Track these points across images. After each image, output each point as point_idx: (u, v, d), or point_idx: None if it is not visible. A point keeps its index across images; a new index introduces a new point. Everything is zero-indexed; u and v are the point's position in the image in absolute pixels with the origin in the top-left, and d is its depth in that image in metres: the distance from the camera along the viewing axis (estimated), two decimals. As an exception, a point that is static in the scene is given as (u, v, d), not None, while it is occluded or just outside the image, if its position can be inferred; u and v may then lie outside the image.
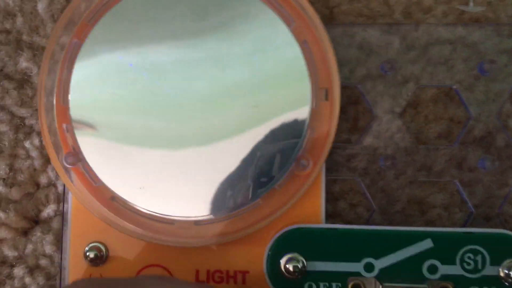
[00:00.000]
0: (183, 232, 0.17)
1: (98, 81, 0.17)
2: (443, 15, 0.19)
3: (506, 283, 0.17)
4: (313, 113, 0.16)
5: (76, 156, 0.17)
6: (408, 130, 0.19)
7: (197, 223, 0.17)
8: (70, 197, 0.18)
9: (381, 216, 0.19)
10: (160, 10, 0.17)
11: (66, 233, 0.18)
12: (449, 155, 0.18)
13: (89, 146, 0.17)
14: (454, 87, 0.18)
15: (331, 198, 0.18)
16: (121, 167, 0.17)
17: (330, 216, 0.19)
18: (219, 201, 0.17)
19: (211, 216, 0.17)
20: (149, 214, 0.17)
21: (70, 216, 0.18)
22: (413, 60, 0.18)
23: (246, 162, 0.16)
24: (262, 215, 0.17)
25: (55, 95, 0.17)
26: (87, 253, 0.18)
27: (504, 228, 0.18)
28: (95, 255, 0.18)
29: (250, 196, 0.16)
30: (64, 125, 0.17)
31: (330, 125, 0.16)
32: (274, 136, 0.16)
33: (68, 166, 0.17)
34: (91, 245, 0.18)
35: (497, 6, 0.18)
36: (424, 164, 0.18)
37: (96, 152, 0.17)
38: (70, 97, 0.17)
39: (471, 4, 0.18)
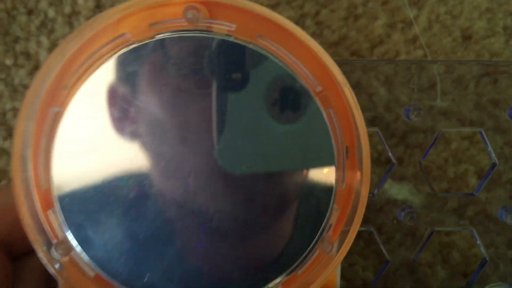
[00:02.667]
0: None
1: (81, 155, 0.15)
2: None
3: None
4: (338, 193, 0.15)
5: (67, 244, 0.15)
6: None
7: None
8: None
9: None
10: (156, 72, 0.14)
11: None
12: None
13: (79, 233, 0.15)
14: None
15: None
16: (119, 254, 0.15)
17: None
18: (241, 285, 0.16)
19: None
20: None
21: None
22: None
23: (265, 244, 0.15)
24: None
25: (32, 177, 0.15)
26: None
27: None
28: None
29: (270, 281, 0.16)
30: (49, 211, 0.15)
31: (357, 203, 0.15)
32: (298, 218, 0.15)
33: (58, 258, 0.15)
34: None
35: (460, 101, 0.23)
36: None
37: (89, 239, 0.15)
38: (52, 177, 0.15)
39: (438, 100, 0.23)
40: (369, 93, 0.24)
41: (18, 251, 0.18)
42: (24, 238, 0.17)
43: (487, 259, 0.23)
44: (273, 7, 0.28)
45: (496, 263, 0.24)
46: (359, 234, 0.24)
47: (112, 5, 0.26)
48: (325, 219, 0.16)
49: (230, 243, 0.15)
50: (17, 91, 0.27)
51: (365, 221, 0.23)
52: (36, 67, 0.27)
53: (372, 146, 0.26)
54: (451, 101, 0.24)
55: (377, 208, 0.23)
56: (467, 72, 0.24)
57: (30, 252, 0.18)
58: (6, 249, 0.17)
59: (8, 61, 0.26)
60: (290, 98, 0.15)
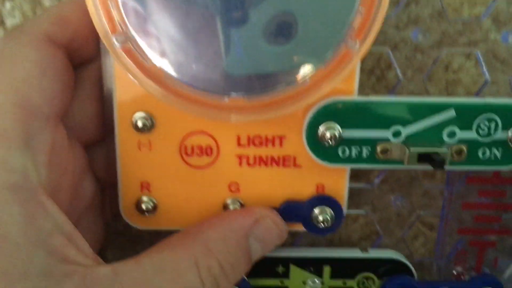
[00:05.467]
0: (234, 108, 0.20)
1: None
2: None
3: (511, 144, 0.21)
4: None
5: (126, 35, 0.19)
6: None
7: (248, 98, 0.19)
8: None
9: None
10: None
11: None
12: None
13: (137, 24, 0.18)
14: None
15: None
16: (170, 46, 0.19)
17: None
18: (270, 78, 0.19)
19: (261, 92, 0.19)
20: (203, 92, 0.19)
21: (115, 87, 0.21)
22: None
23: (296, 41, 0.19)
24: (309, 91, 0.20)
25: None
26: (135, 121, 0.21)
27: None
28: (143, 123, 0.21)
29: (299, 74, 0.19)
30: (109, 3, 0.18)
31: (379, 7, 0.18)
32: (324, 15, 0.18)
33: (119, 45, 0.19)
34: (138, 114, 0.21)
35: None
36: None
37: (145, 30, 0.18)
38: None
39: None
40: None
41: (78, 60, 0.21)
42: (83, 46, 0.21)
43: (488, 79, 0.25)
44: None
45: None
46: (372, 71, 0.27)
47: None
48: (350, 19, 0.19)
49: (267, 36, 0.18)
50: None
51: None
52: None
53: None
54: None
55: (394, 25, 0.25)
56: None
57: (87, 63, 0.22)
58: (68, 56, 0.20)
59: None
60: None
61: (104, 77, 0.21)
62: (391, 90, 0.23)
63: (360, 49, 0.19)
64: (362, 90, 0.25)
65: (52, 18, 0.20)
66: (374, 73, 0.24)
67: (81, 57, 0.21)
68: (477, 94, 0.24)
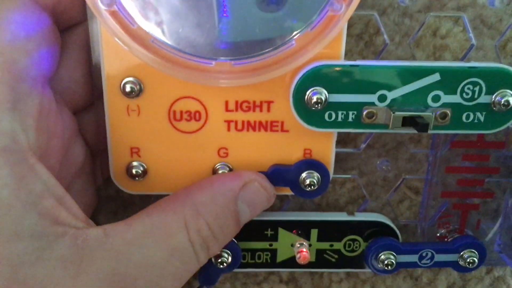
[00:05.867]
0: (221, 72, 0.20)
1: None
2: None
3: (494, 108, 0.22)
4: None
5: (112, -2, 0.19)
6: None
7: (234, 63, 0.20)
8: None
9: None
10: None
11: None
12: None
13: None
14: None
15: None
16: (156, 9, 0.19)
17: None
18: (256, 42, 0.19)
19: (248, 56, 0.20)
20: (189, 56, 0.19)
21: (102, 52, 0.21)
22: None
23: (287, 7, 0.19)
24: (295, 55, 0.20)
25: None
26: (124, 86, 0.21)
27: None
28: (131, 88, 0.21)
29: (285, 37, 0.19)
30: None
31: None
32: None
33: (105, 8, 0.19)
34: (126, 79, 0.21)
35: None
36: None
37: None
38: None
39: None
40: None
41: (64, 23, 0.21)
42: (69, 9, 0.20)
43: (474, 44, 0.25)
44: None
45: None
46: (361, 36, 0.27)
47: None
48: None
49: (259, 3, 0.19)
50: None
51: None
52: None
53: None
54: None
55: None
56: None
57: (73, 26, 0.22)
58: (54, 18, 0.20)
59: None
60: None
61: (92, 41, 0.21)
62: (378, 56, 0.24)
63: (345, 12, 0.19)
64: (350, 56, 0.25)
65: None
66: (362, 38, 0.25)
67: (68, 20, 0.21)
68: (463, 59, 0.24)
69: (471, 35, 0.24)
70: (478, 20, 0.24)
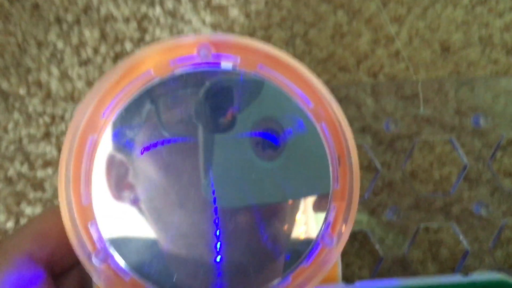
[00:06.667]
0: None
1: (117, 174, 0.19)
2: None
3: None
4: (334, 194, 0.19)
5: (105, 253, 0.19)
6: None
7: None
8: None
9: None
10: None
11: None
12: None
13: (116, 241, 0.19)
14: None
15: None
16: (150, 258, 0.19)
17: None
18: (251, 281, 0.19)
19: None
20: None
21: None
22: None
23: (275, 240, 0.19)
24: (292, 291, 0.20)
25: (72, 194, 0.19)
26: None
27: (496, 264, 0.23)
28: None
29: (280, 274, 0.19)
30: (89, 223, 0.19)
31: (350, 201, 0.19)
32: (300, 214, 0.19)
33: (98, 265, 0.19)
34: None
35: (441, 109, 0.28)
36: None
37: (124, 246, 0.19)
38: (92, 194, 0.19)
39: (421, 108, 0.28)
40: (357, 104, 0.28)
41: (59, 270, 0.22)
42: (64, 257, 0.21)
43: (469, 250, 0.27)
44: (266, 29, 0.32)
45: (481, 257, 0.28)
46: (354, 237, 0.28)
47: (115, 37, 0.30)
48: (325, 217, 0.19)
49: (245, 242, 0.19)
50: (31, 118, 0.30)
51: (360, 222, 0.27)
52: (48, 95, 0.30)
53: (363, 154, 0.30)
54: (433, 109, 0.28)
55: (369, 210, 0.27)
56: (447, 83, 0.29)
57: (68, 270, 0.22)
58: (49, 269, 0.21)
59: (22, 91, 0.30)
60: (286, 115, 0.19)
61: (85, 282, 0.21)
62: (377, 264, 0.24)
63: (337, 244, 0.19)
64: (347, 258, 0.25)
65: (32, 236, 0.20)
66: (356, 239, 0.25)
67: (63, 266, 0.21)
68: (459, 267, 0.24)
69: (463, 239, 0.24)
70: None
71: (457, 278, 0.22)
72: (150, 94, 0.19)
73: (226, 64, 0.19)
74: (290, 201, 0.20)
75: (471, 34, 0.33)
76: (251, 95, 0.19)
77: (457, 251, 0.30)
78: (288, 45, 0.32)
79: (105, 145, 0.19)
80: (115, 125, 0.19)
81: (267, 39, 0.32)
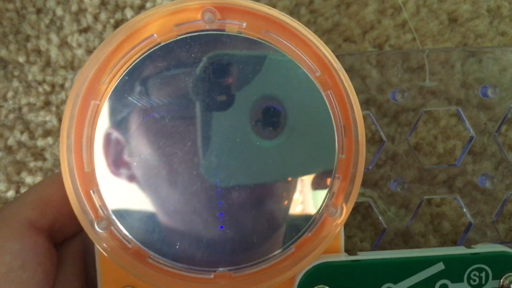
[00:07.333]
0: (220, 282, 0.20)
1: (120, 141, 0.18)
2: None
3: (504, 291, 0.21)
4: (339, 164, 0.19)
5: (108, 220, 0.19)
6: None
7: (234, 272, 0.20)
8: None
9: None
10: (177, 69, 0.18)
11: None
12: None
13: (119, 209, 0.19)
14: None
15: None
16: (153, 226, 0.19)
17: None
18: (254, 250, 0.19)
19: (247, 265, 0.19)
20: (188, 270, 0.19)
21: (99, 265, 0.21)
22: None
23: (279, 210, 0.19)
24: (295, 261, 0.20)
25: (74, 160, 0.18)
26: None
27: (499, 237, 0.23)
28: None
29: (283, 243, 0.19)
30: (91, 190, 0.19)
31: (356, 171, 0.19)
32: (304, 184, 0.19)
33: (101, 231, 0.19)
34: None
35: (447, 81, 0.27)
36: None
37: (126, 214, 0.19)
38: (95, 160, 0.18)
39: (427, 80, 0.27)
40: (362, 76, 0.28)
41: (61, 238, 0.21)
42: (66, 225, 0.21)
43: (472, 222, 0.27)
44: (270, -2, 0.31)
45: (483, 230, 0.28)
46: (357, 209, 0.28)
47: (116, 4, 0.29)
48: (329, 187, 0.19)
49: (248, 212, 0.19)
50: (31, 86, 0.30)
51: (362, 194, 0.27)
52: (48, 63, 0.30)
53: (367, 126, 0.30)
54: (438, 81, 0.28)
55: (372, 182, 0.27)
56: (454, 54, 0.28)
57: (70, 238, 0.22)
58: (51, 237, 0.21)
59: (21, 59, 0.30)
60: (295, 82, 0.19)
61: (87, 251, 0.21)
62: (379, 236, 0.24)
63: (341, 214, 0.19)
64: (348, 230, 0.25)
65: (33, 203, 0.20)
66: (359, 211, 0.25)
67: (64, 236, 0.21)
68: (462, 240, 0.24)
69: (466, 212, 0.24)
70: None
71: (460, 250, 0.22)
72: (153, 59, 0.18)
73: (231, 29, 0.19)
74: (294, 173, 0.19)
75: (480, 5, 0.32)
76: (256, 61, 0.19)
77: (459, 224, 0.30)
78: (292, 14, 0.31)
79: (107, 111, 0.18)
80: (117, 90, 0.18)
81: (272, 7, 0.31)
